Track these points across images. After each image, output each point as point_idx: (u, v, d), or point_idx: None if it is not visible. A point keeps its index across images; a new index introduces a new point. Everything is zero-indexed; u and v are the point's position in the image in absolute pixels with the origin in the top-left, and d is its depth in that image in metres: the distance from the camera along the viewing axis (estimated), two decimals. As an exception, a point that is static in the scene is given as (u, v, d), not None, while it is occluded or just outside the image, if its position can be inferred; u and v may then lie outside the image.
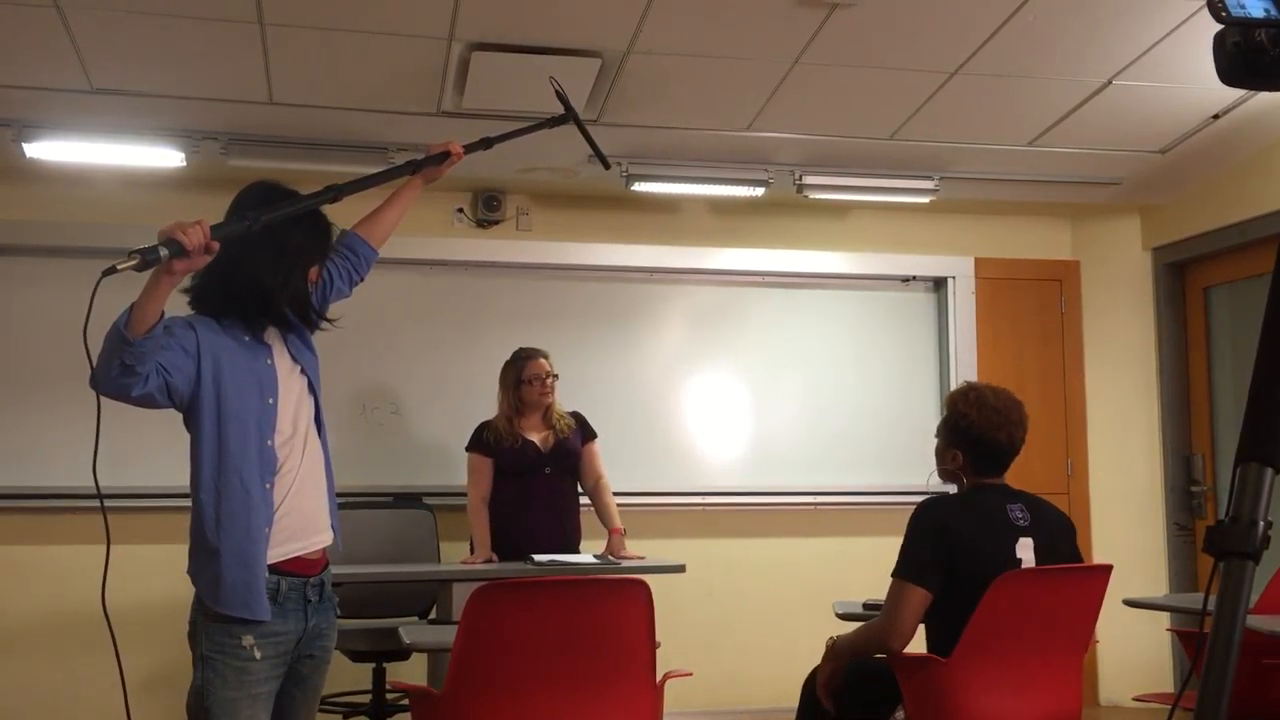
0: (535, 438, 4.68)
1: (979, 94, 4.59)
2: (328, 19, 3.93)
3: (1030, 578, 3.05)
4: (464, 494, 4.73)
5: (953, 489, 3.28)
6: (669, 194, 5.51)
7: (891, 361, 5.93)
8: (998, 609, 2.95)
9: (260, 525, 2.41)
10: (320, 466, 2.58)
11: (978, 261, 5.99)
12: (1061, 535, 3.19)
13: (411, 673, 4.69)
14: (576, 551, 4.62)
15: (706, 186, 5.37)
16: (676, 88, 4.48)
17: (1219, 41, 1.42)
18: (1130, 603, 3.85)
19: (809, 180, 5.30)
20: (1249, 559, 1.31)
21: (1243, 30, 1.39)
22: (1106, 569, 3.20)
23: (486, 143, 2.92)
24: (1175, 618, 4.64)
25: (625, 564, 4.34)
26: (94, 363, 2.24)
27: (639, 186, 5.21)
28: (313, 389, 2.60)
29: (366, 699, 4.85)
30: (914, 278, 5.99)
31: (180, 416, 2.46)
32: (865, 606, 3.68)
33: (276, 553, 2.44)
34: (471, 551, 4.60)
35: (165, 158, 4.81)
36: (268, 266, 2.45)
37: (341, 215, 2.69)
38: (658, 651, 2.98)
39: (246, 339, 2.49)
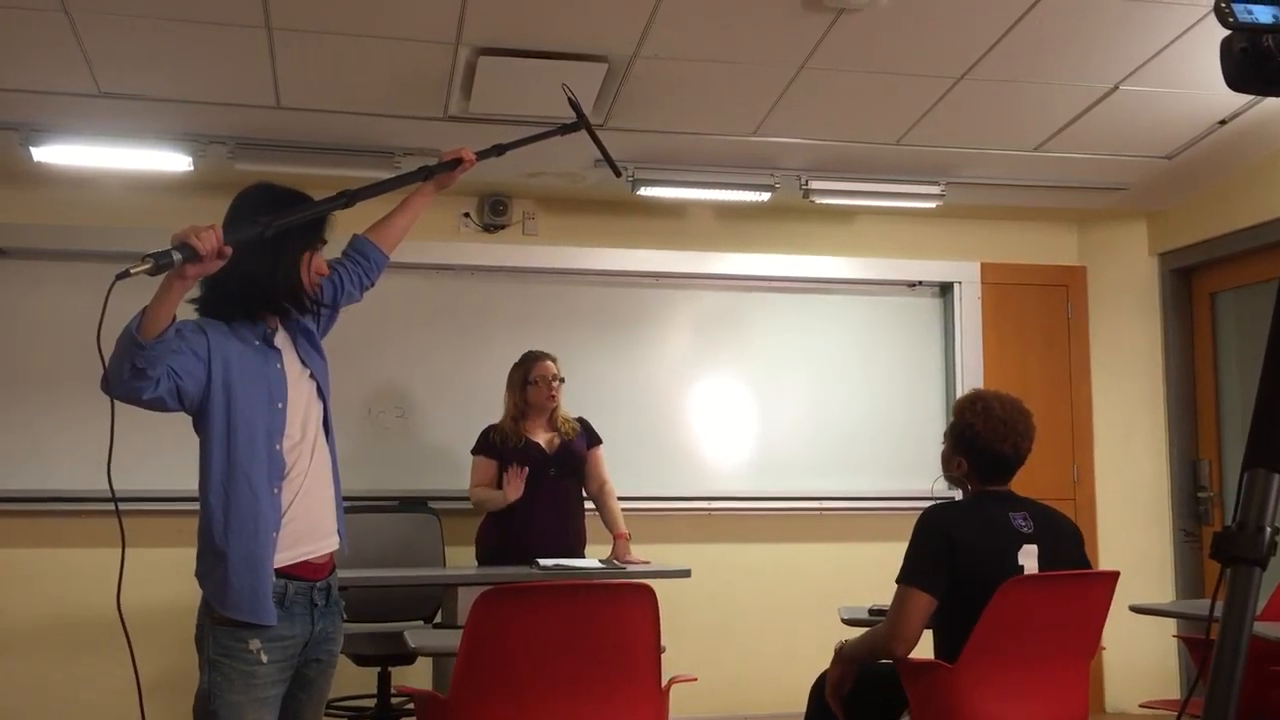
0: (540, 439, 4.68)
1: (985, 99, 4.59)
2: (335, 23, 3.94)
3: (1036, 584, 3.05)
4: (469, 499, 4.74)
5: (958, 494, 3.28)
6: (675, 199, 5.51)
7: (897, 367, 5.92)
8: (1003, 615, 2.95)
9: (268, 529, 2.42)
10: (328, 471, 2.58)
11: (984, 267, 5.98)
12: (1068, 542, 3.19)
13: (417, 677, 4.69)
14: (581, 554, 4.63)
15: (712, 191, 5.37)
16: (683, 92, 4.48)
17: (1226, 47, 1.43)
18: (1136, 609, 3.84)
19: (815, 185, 5.30)
20: (1256, 565, 1.32)
21: (1250, 35, 1.39)
22: (1113, 575, 3.19)
23: (499, 150, 2.88)
24: (1182, 624, 4.63)
25: (630, 569, 4.34)
26: (106, 366, 2.24)
27: (645, 191, 5.22)
28: (321, 394, 2.60)
29: (372, 703, 4.84)
30: (920, 283, 5.98)
31: (188, 420, 2.46)
32: (871, 612, 3.67)
33: (284, 557, 2.44)
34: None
35: (172, 162, 4.81)
36: (256, 255, 2.42)
37: (352, 220, 2.69)
38: (663, 656, 2.99)
39: (256, 343, 2.49)
